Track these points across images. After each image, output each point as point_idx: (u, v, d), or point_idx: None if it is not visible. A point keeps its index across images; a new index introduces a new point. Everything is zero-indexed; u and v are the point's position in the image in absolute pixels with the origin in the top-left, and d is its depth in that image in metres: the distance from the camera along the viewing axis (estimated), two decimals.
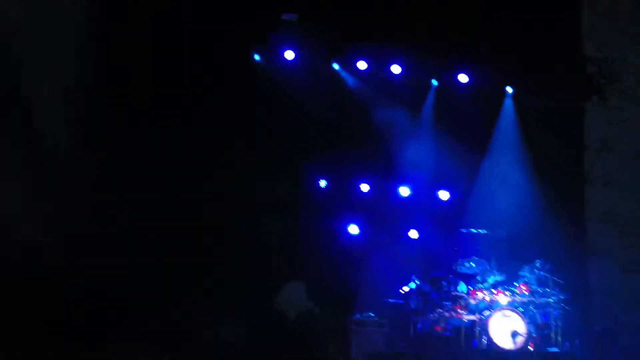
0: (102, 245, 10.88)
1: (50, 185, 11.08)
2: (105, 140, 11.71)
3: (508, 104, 13.66)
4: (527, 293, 10.81)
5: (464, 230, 11.50)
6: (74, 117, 11.79)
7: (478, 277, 11.09)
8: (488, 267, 11.23)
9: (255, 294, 11.30)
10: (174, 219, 11.67)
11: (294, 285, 11.14)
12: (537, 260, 11.00)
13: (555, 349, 10.36)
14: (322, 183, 12.92)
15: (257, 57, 13.28)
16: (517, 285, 10.93)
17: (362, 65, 13.42)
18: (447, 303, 10.89)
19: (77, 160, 11.48)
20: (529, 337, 10.30)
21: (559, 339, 10.44)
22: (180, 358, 10.01)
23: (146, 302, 10.61)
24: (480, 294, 10.76)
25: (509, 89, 13.81)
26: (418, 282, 11.29)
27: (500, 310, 10.53)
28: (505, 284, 10.95)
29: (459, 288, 11.03)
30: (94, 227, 11.09)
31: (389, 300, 11.62)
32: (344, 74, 13.53)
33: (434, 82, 13.66)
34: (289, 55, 13.23)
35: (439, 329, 10.78)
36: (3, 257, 9.89)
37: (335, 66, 13.52)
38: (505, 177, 12.81)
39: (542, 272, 10.90)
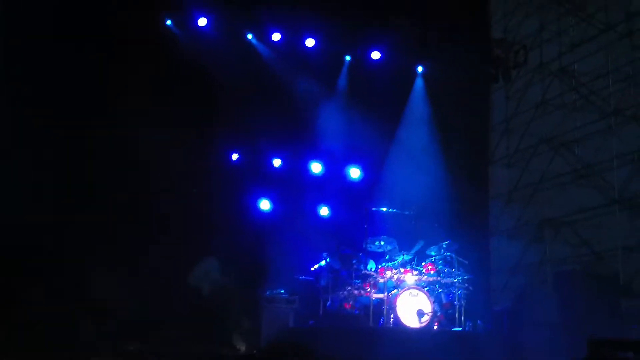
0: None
1: None
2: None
3: (418, 83, 13.88)
4: (433, 273, 11.06)
5: (374, 209, 11.58)
6: None
7: (387, 256, 11.24)
8: (396, 245, 11.40)
9: (165, 267, 11.13)
10: (83, 188, 11.34)
11: (208, 261, 11.04)
12: (444, 241, 11.22)
13: (459, 328, 10.68)
14: (234, 156, 12.76)
15: (168, 22, 12.89)
16: (424, 264, 11.16)
17: (276, 36, 13.27)
18: (357, 281, 11.00)
19: None
20: (434, 316, 10.55)
21: (462, 318, 10.75)
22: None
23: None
24: (388, 273, 10.92)
25: (420, 68, 14.01)
26: (328, 260, 11.37)
27: (407, 289, 10.72)
28: (413, 263, 11.14)
29: (368, 266, 11.16)
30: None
31: (299, 277, 11.69)
32: (257, 44, 13.34)
33: (347, 58, 13.69)
34: (202, 22, 12.92)
35: (347, 306, 10.90)
36: None
37: (249, 36, 13.30)
38: (415, 156, 13.05)
39: (448, 252, 11.15)
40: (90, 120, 11.52)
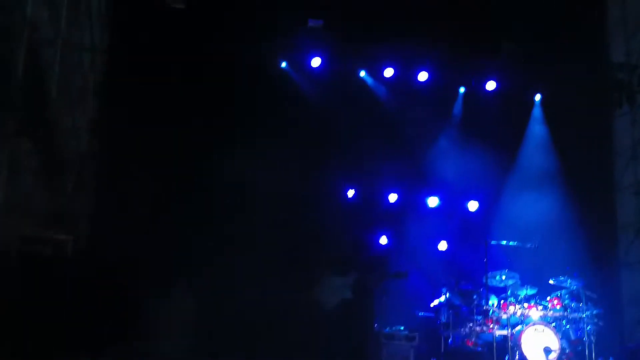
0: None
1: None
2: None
3: (537, 111, 13.52)
4: (559, 307, 10.65)
5: (493, 242, 11.30)
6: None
7: (509, 291, 10.92)
8: (519, 280, 11.06)
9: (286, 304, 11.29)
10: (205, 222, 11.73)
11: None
12: (570, 274, 10.78)
13: None
14: (350, 193, 12.82)
15: (284, 64, 13.19)
16: (549, 299, 10.77)
17: (388, 72, 13.31)
18: (478, 317, 10.74)
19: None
20: (562, 353, 10.14)
21: (593, 355, 10.26)
22: None
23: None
24: (511, 308, 10.60)
25: (538, 97, 13.67)
26: (448, 295, 11.16)
27: (532, 325, 10.37)
28: (537, 298, 10.77)
29: (489, 302, 10.87)
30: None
31: (419, 313, 11.53)
32: (370, 81, 13.43)
33: (462, 89, 13.54)
34: (316, 62, 13.14)
35: (469, 343, 10.65)
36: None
37: (362, 73, 13.41)
38: (535, 186, 12.67)
39: (574, 286, 10.71)
40: (212, 160, 11.90)
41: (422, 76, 13.27)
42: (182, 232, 11.59)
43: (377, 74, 13.34)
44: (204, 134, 12.18)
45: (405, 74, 13.31)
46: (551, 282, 10.97)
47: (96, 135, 12.18)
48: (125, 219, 11.46)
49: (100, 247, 11.12)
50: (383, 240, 12.68)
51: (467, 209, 12.93)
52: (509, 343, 10.31)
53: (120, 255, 10.47)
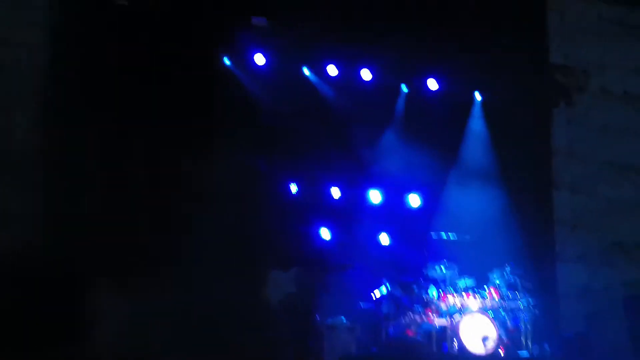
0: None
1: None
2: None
3: (477, 109, 13.78)
4: (497, 297, 10.85)
5: (434, 235, 11.48)
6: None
7: (448, 282, 11.09)
8: (458, 272, 11.25)
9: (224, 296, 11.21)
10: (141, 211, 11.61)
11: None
12: (507, 265, 11.01)
13: (525, 353, 10.40)
14: (293, 188, 12.86)
15: (226, 60, 13.19)
16: (487, 289, 10.95)
17: (332, 70, 13.41)
18: (418, 308, 10.88)
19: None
20: (500, 342, 10.33)
21: (529, 343, 10.47)
22: None
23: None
24: (451, 298, 10.78)
25: (478, 95, 13.94)
26: (389, 287, 11.27)
27: (470, 315, 10.54)
28: (476, 288, 10.96)
29: (429, 292, 11.03)
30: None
31: (361, 304, 11.60)
32: (314, 78, 13.52)
33: (404, 88, 13.74)
34: (259, 59, 13.18)
35: (410, 333, 10.77)
36: None
37: (306, 71, 13.50)
38: (475, 182, 12.89)
39: (511, 277, 10.94)
40: (151, 153, 11.81)
41: (366, 74, 13.41)
42: (130, 232, 11.44)
43: (320, 71, 13.43)
44: (147, 132, 12.06)
45: (349, 72, 13.43)
46: (489, 273, 11.19)
47: (39, 135, 12.00)
48: (74, 217, 11.29)
49: (49, 246, 10.94)
50: (326, 234, 12.72)
51: (409, 203, 13.08)
52: (448, 332, 10.47)
53: (69, 254, 10.35)
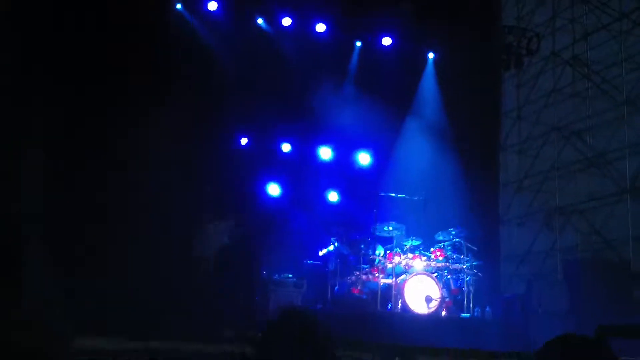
0: None
1: None
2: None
3: (429, 69, 13.80)
4: (442, 258, 11.00)
5: (382, 194, 11.52)
6: None
7: (395, 242, 11.20)
8: (405, 232, 11.36)
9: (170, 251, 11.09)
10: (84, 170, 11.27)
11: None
12: (453, 227, 11.15)
13: (467, 315, 10.63)
14: (243, 141, 12.73)
15: (179, 6, 12.83)
16: (433, 250, 11.11)
17: (286, 21, 13.20)
18: (365, 266, 10.97)
19: None
20: (442, 302, 10.50)
21: (471, 304, 10.70)
22: None
23: None
24: (396, 258, 10.86)
25: (431, 55, 13.94)
26: (337, 245, 11.34)
27: (415, 275, 10.68)
28: (421, 249, 11.09)
29: (376, 251, 11.12)
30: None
31: (308, 261, 11.66)
32: (268, 29, 13.29)
33: (358, 44, 13.63)
34: (212, 6, 12.86)
35: (355, 291, 10.87)
36: None
37: (260, 21, 13.25)
38: (424, 142, 12.98)
39: (456, 239, 11.09)
40: (97, 104, 11.44)
41: (320, 28, 13.25)
42: (75, 194, 11.11)
43: (275, 22, 13.20)
44: (93, 82, 11.65)
45: (304, 25, 13.24)
46: (435, 234, 11.34)
47: None
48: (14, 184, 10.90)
49: None
50: (274, 190, 12.67)
51: (359, 161, 13.12)
52: (393, 291, 10.59)
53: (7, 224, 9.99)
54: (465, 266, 10.90)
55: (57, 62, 11.17)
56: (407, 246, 11.06)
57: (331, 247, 11.42)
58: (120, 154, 11.45)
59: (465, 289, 10.78)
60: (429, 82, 13.63)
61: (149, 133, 11.56)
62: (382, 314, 10.44)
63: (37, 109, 11.01)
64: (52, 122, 10.86)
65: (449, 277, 10.97)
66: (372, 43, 13.58)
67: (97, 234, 10.57)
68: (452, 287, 10.89)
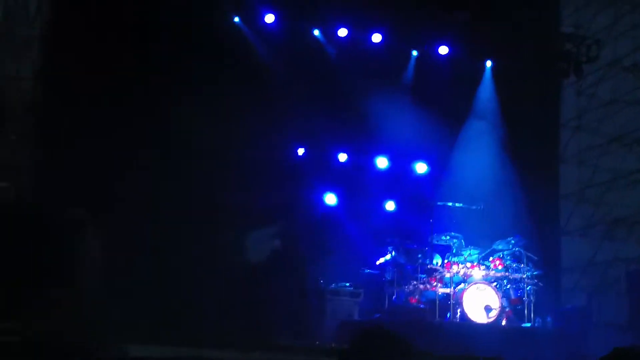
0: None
1: None
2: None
3: (487, 77, 13.68)
4: (501, 268, 10.88)
5: (440, 203, 11.46)
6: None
7: (453, 251, 11.11)
8: (463, 241, 11.26)
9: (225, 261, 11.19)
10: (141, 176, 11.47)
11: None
12: (512, 236, 11.03)
13: (527, 324, 10.47)
14: (300, 151, 12.79)
15: (237, 19, 13.00)
16: (492, 259, 10.99)
17: (342, 32, 13.25)
18: (422, 275, 10.90)
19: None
20: (502, 312, 10.38)
21: (532, 314, 10.54)
22: None
23: None
24: (455, 267, 10.79)
25: (488, 63, 13.82)
26: (394, 254, 11.28)
27: (474, 284, 10.58)
28: (480, 258, 10.98)
29: (434, 261, 11.05)
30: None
31: (365, 271, 11.63)
32: (324, 40, 13.36)
33: (414, 53, 13.60)
34: (269, 18, 12.99)
35: (413, 301, 10.81)
36: None
37: (316, 32, 13.33)
38: (482, 151, 12.87)
39: (516, 248, 10.95)
40: (160, 116, 11.64)
41: (376, 38, 13.26)
42: (127, 188, 11.33)
43: (331, 33, 13.27)
44: (153, 89, 11.90)
45: (359, 35, 13.27)
46: (494, 244, 11.22)
47: (40, 85, 11.85)
48: (69, 171, 11.19)
49: (42, 198, 10.84)
50: (331, 199, 12.69)
51: (416, 170, 13.06)
52: (451, 301, 10.51)
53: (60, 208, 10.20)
54: (525, 275, 10.76)
55: (119, 69, 11.46)
56: (465, 255, 10.97)
57: (388, 257, 11.37)
58: (182, 164, 11.67)
59: (525, 298, 10.63)
60: (486, 91, 13.50)
61: (209, 141, 11.77)
62: (441, 323, 10.36)
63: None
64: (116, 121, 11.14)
65: (508, 286, 10.83)
66: (428, 52, 13.53)
67: (146, 235, 10.72)
68: (512, 296, 10.74)
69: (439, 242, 11.21)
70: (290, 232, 11.61)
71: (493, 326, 10.26)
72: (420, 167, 13.02)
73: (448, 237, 11.22)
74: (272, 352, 8.58)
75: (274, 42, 12.87)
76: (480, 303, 10.41)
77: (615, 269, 12.53)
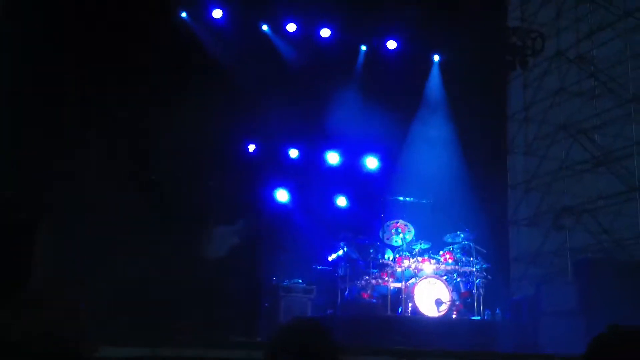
0: None
1: None
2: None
3: (434, 71, 13.80)
4: (451, 261, 11.01)
5: (390, 198, 11.53)
6: None
7: (404, 245, 11.20)
8: (414, 235, 11.36)
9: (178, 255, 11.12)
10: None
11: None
12: (461, 230, 11.16)
13: (477, 317, 10.63)
14: (251, 147, 12.75)
15: (184, 14, 12.87)
16: (442, 253, 11.11)
17: (291, 27, 13.23)
18: (374, 270, 10.97)
19: None
20: (452, 305, 10.50)
21: (481, 307, 10.70)
22: None
23: None
24: (406, 262, 10.87)
25: (436, 57, 13.94)
26: (346, 249, 11.34)
27: (425, 278, 10.69)
28: (431, 252, 11.10)
29: (385, 255, 11.13)
30: None
31: (317, 267, 11.67)
32: (273, 35, 13.31)
33: (363, 48, 13.65)
34: (217, 13, 12.89)
35: (365, 296, 10.86)
36: None
37: (265, 27, 13.27)
38: (432, 145, 12.99)
39: (465, 242, 11.09)
40: (107, 109, 11.47)
41: (325, 33, 13.27)
42: (81, 188, 11.14)
43: (279, 28, 13.23)
44: (102, 85, 11.71)
45: (308, 30, 13.27)
46: (444, 237, 11.35)
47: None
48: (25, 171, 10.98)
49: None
50: (283, 195, 12.69)
51: (366, 165, 13.13)
52: (403, 295, 10.61)
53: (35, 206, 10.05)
54: (474, 269, 10.90)
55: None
56: (416, 250, 11.07)
57: (340, 252, 11.42)
58: (135, 161, 11.55)
59: (475, 291, 10.78)
60: (434, 85, 13.64)
61: (159, 138, 11.65)
62: (393, 317, 10.45)
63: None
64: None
65: (458, 280, 10.97)
66: (377, 47, 13.60)
67: (99, 231, 10.59)
68: (462, 290, 10.89)
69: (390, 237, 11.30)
70: (250, 230, 11.57)
71: (444, 319, 10.37)
72: (371, 162, 13.09)
73: (399, 232, 11.28)
74: (225, 349, 8.57)
75: (223, 38, 12.78)
76: (431, 297, 10.53)
77: (562, 258, 12.79)
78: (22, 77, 11.23)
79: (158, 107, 11.63)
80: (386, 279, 10.78)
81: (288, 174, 12.75)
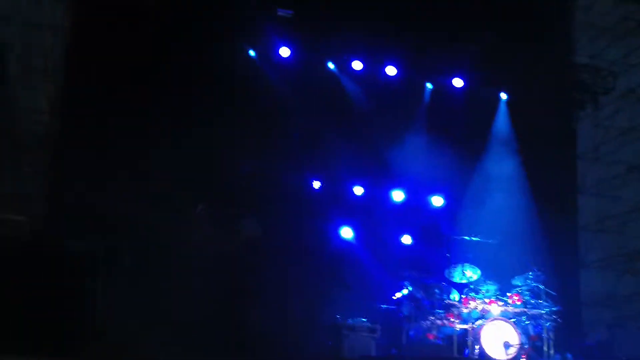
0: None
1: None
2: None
3: (502, 110, 13.63)
4: (519, 303, 10.75)
5: (456, 237, 11.35)
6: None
7: (471, 286, 10.99)
8: (481, 276, 11.14)
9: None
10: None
11: None
12: (530, 271, 10.90)
13: None
14: (316, 184, 12.75)
15: (252, 53, 13.05)
16: (510, 295, 10.86)
17: (357, 65, 13.27)
18: (440, 311, 10.78)
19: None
20: (521, 348, 10.23)
21: (551, 351, 10.39)
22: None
23: None
24: (473, 303, 10.67)
25: (504, 95, 13.78)
26: (411, 289, 11.17)
27: (492, 320, 10.46)
28: (498, 294, 10.85)
29: (451, 296, 10.94)
30: None
31: (381, 305, 11.51)
32: (338, 73, 13.38)
33: (429, 85, 13.59)
34: (284, 52, 13.03)
35: (431, 336, 10.67)
36: None
37: (331, 65, 13.35)
38: (498, 184, 12.79)
39: (534, 283, 10.83)
40: (174, 150, 11.65)
41: (391, 71, 13.27)
42: (140, 217, 11.31)
43: (345, 66, 13.29)
44: (166, 121, 11.91)
45: (374, 68, 13.29)
46: (512, 279, 11.09)
47: (55, 117, 11.93)
48: (82, 202, 11.21)
49: (56, 229, 10.90)
50: (347, 233, 12.61)
51: (432, 204, 12.99)
52: (470, 337, 10.38)
53: (75, 238, 10.25)
54: (544, 312, 10.62)
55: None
56: (483, 291, 10.84)
57: (405, 291, 11.25)
58: (196, 194, 11.69)
59: (545, 335, 10.49)
60: (502, 123, 13.45)
61: (224, 174, 11.80)
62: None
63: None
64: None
65: (527, 323, 10.68)
66: (443, 85, 13.52)
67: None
68: (531, 333, 10.60)
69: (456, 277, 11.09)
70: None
71: None
72: (437, 200, 12.94)
73: (465, 272, 11.06)
74: None
75: (290, 76, 12.89)
76: (499, 339, 10.28)
77: (636, 302, 12.37)
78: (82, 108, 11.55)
79: (225, 144, 11.80)
80: (452, 320, 10.59)
81: (353, 211, 12.69)
